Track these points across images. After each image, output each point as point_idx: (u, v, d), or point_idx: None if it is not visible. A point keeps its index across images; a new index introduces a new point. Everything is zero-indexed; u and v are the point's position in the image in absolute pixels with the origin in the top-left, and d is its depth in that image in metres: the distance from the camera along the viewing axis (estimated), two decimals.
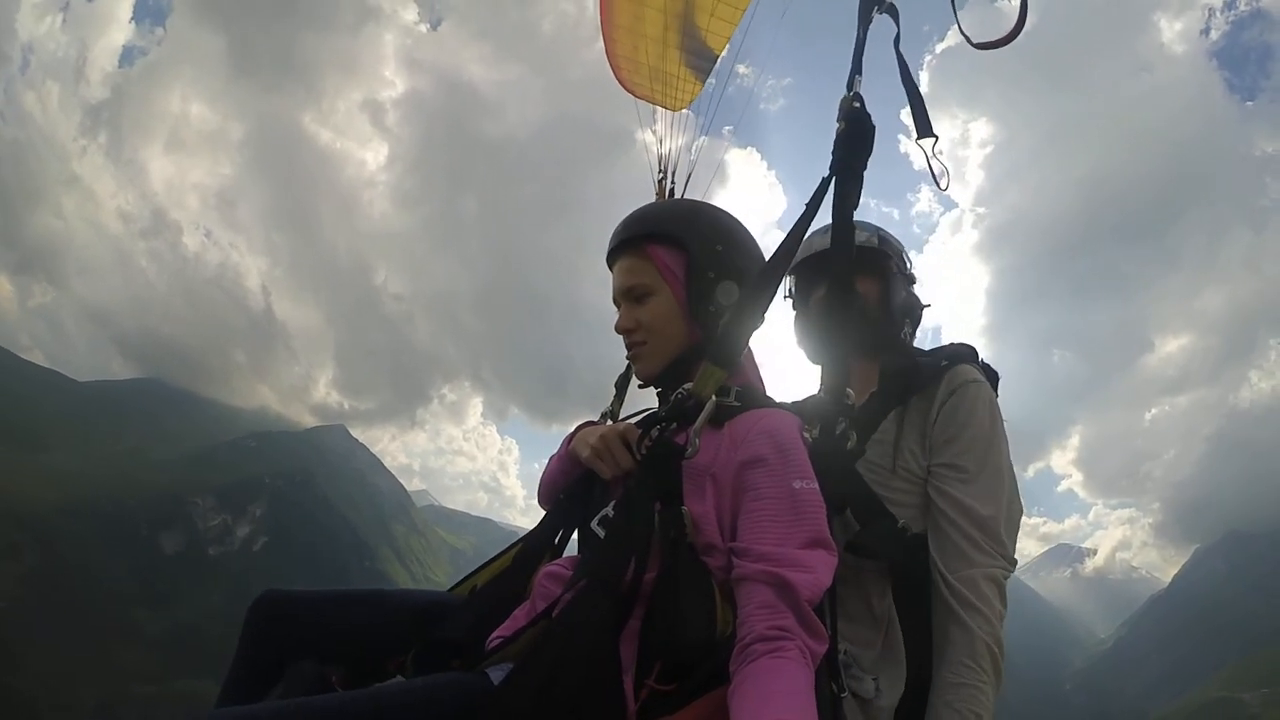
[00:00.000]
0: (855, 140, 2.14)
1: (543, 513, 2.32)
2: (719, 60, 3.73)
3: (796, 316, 2.68)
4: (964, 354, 2.43)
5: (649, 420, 1.96)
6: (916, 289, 2.64)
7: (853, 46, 2.27)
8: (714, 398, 1.85)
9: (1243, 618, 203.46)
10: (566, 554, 2.22)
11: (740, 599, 1.65)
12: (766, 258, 2.08)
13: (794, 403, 2.55)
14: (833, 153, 2.16)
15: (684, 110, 3.83)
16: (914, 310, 2.60)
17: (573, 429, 2.28)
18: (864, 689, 2.15)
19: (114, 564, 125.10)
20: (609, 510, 1.94)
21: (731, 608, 1.69)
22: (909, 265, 2.61)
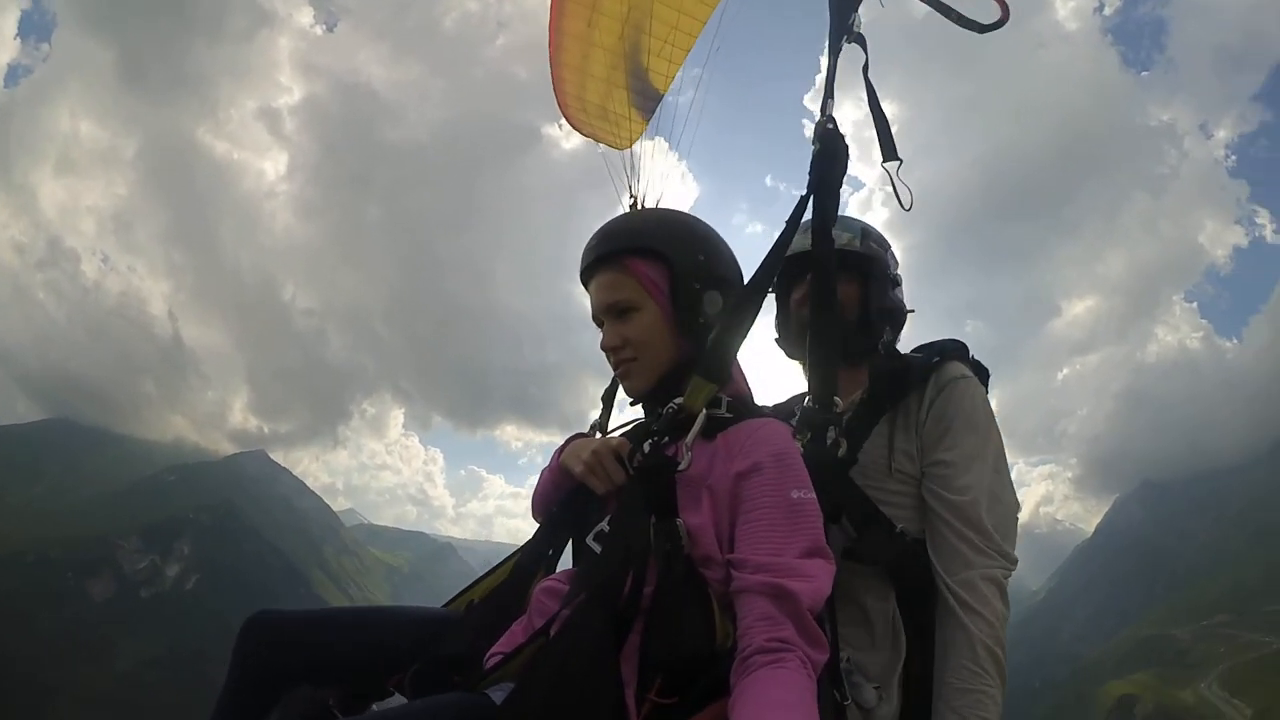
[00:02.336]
0: (830, 160, 2.23)
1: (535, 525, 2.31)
2: (662, 100, 3.78)
3: (777, 311, 2.69)
4: (953, 350, 2.43)
5: (641, 434, 1.96)
6: (901, 291, 2.63)
7: (825, 73, 2.42)
8: (704, 410, 1.86)
9: (1164, 559, 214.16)
10: (562, 567, 2.22)
11: (740, 611, 1.66)
12: (738, 261, 2.11)
13: (778, 404, 2.71)
14: (810, 172, 2.26)
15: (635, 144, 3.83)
16: (896, 315, 2.57)
17: (563, 441, 2.25)
18: (866, 697, 2.14)
19: (42, 618, 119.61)
20: (604, 525, 1.93)
21: (731, 619, 1.69)
22: (893, 267, 2.59)
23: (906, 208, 2.40)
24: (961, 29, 2.50)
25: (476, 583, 2.41)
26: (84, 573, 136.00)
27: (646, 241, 2.00)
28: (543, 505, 2.27)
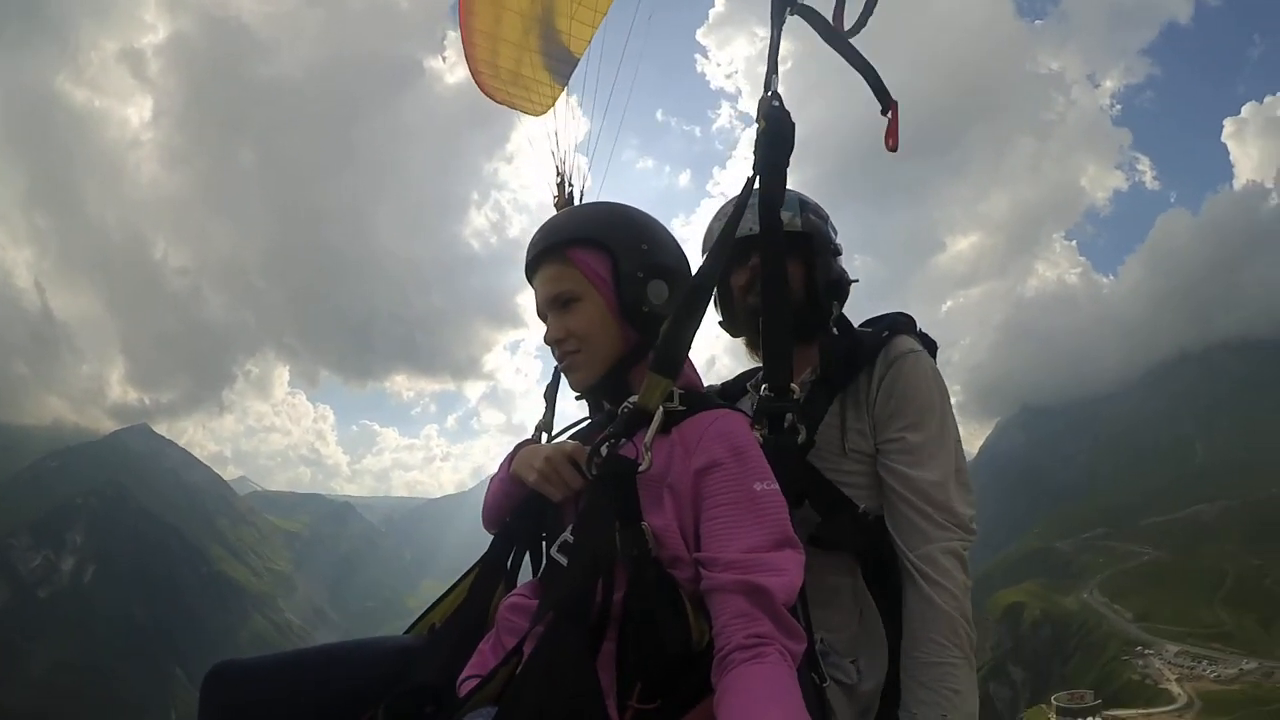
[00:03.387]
0: (776, 139, 2.15)
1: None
2: (579, 63, 3.66)
3: (719, 293, 2.61)
4: (901, 324, 2.43)
5: (596, 437, 1.90)
6: (843, 260, 2.58)
7: (768, 47, 2.27)
8: (661, 408, 1.82)
9: (1043, 478, 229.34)
10: (523, 579, 2.20)
11: (714, 610, 1.64)
12: (684, 250, 2.10)
13: (726, 382, 2.73)
14: (754, 152, 2.18)
15: (566, 109, 3.74)
16: (841, 287, 2.52)
17: (511, 449, 2.20)
18: (846, 674, 2.17)
19: None
20: (568, 535, 1.90)
21: (705, 618, 1.67)
22: (834, 236, 2.55)
23: (893, 149, 2.34)
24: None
25: (435, 605, 2.37)
26: None
27: (587, 232, 1.99)
28: (495, 516, 2.22)
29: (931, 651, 2.08)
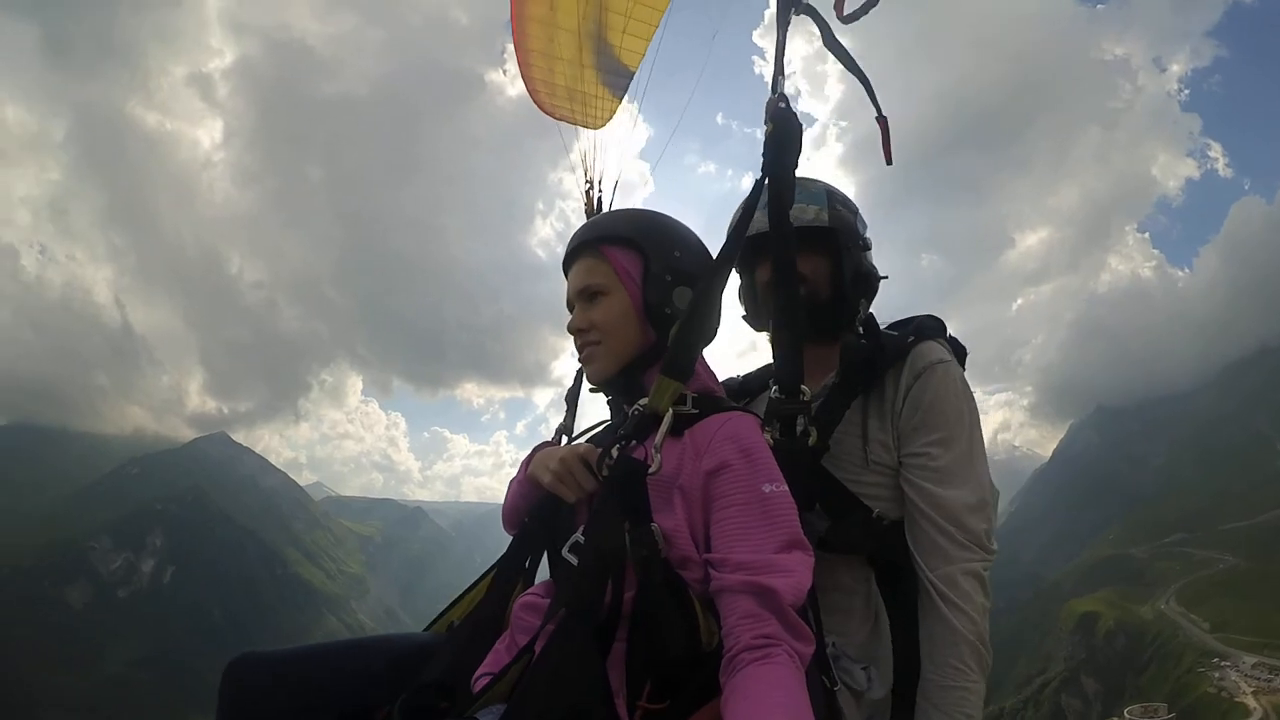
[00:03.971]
0: (784, 140, 2.14)
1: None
2: (634, 76, 3.75)
3: (743, 287, 2.62)
4: (929, 328, 2.37)
5: (608, 439, 1.95)
6: (872, 255, 2.54)
7: (774, 48, 2.27)
8: (670, 410, 1.84)
9: (1118, 482, 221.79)
10: (540, 579, 2.22)
11: (723, 610, 1.66)
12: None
13: (747, 374, 2.70)
14: (763, 154, 2.17)
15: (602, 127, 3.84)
16: (869, 283, 2.48)
17: (530, 451, 2.23)
18: (856, 680, 2.15)
19: (22, 630, 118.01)
20: (579, 536, 1.91)
21: (714, 619, 1.68)
22: (864, 230, 2.49)
23: (889, 163, 2.35)
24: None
25: (455, 602, 2.40)
26: (60, 580, 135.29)
27: (624, 231, 2.05)
28: (514, 517, 2.24)
29: (948, 675, 2.06)
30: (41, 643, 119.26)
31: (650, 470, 1.76)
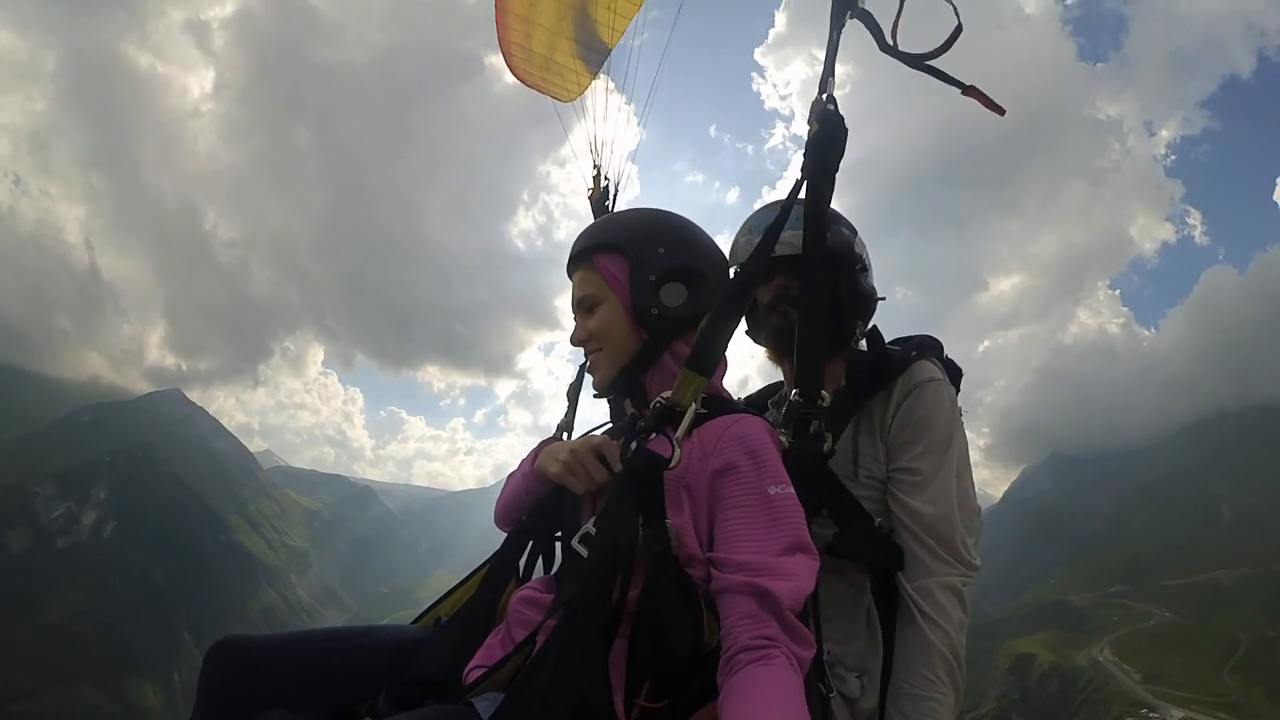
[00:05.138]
0: (829, 142, 2.11)
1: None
2: (611, 54, 3.66)
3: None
4: (929, 347, 2.41)
5: (628, 430, 1.90)
6: (871, 276, 2.55)
7: (826, 49, 2.24)
8: (693, 405, 1.82)
9: (1066, 528, 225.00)
10: (535, 576, 2.19)
11: (723, 610, 1.64)
12: (720, 255, 2.12)
13: (749, 395, 2.73)
14: (805, 154, 2.13)
15: (603, 102, 3.70)
16: (866, 304, 2.51)
17: (534, 446, 2.20)
18: (849, 688, 2.16)
19: None
20: (590, 528, 1.86)
21: (716, 619, 1.67)
22: (862, 253, 2.51)
23: (1002, 114, 2.30)
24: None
25: (444, 598, 2.38)
26: (1, 523, 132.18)
27: (608, 238, 2.05)
28: (510, 512, 2.22)
29: (919, 685, 2.07)
30: None
31: (672, 465, 1.74)
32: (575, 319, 2.11)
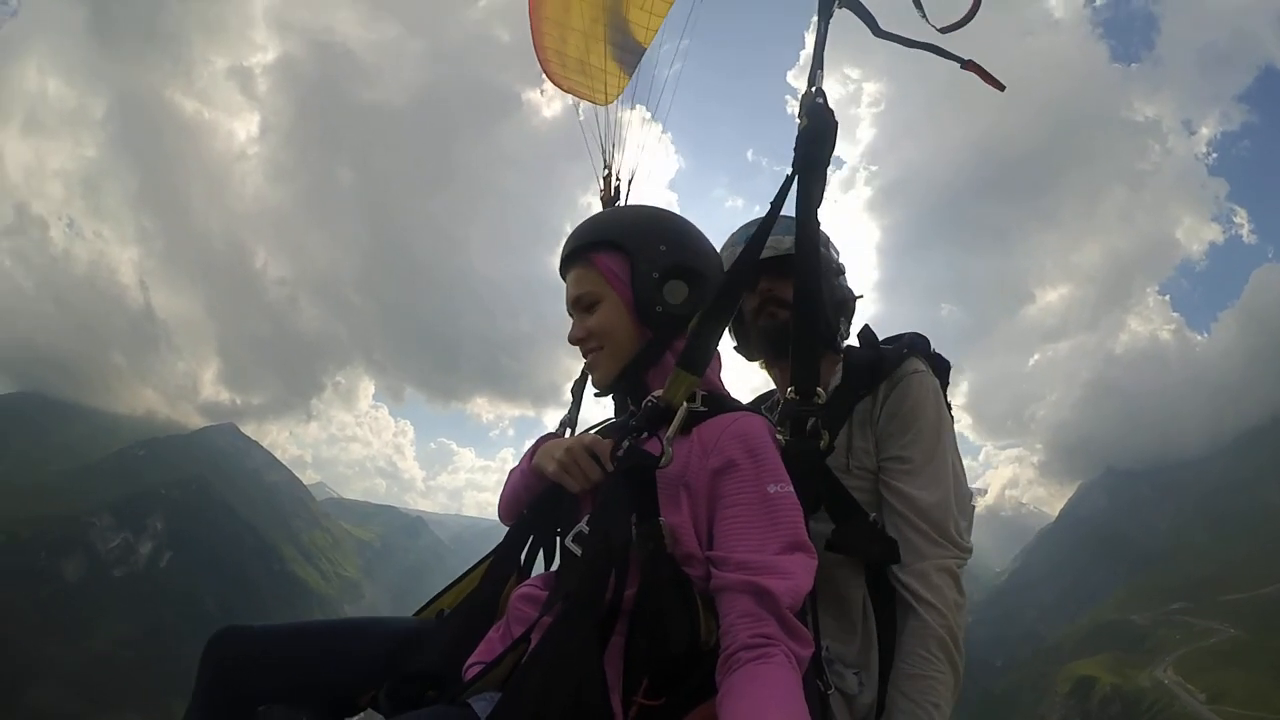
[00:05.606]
0: (819, 138, 2.11)
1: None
2: (645, 53, 3.66)
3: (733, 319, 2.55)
4: (917, 344, 2.43)
5: (620, 430, 1.93)
6: (846, 278, 2.60)
7: (814, 41, 2.22)
8: (685, 404, 1.84)
9: (1125, 546, 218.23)
10: (536, 571, 2.19)
11: (722, 609, 1.64)
12: (715, 252, 2.11)
13: (752, 401, 2.70)
14: (795, 149, 2.13)
15: (615, 103, 3.76)
16: (846, 304, 2.55)
17: (533, 442, 2.21)
18: (848, 685, 2.16)
19: (16, 598, 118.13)
20: (583, 527, 1.87)
21: (714, 617, 1.67)
22: (837, 256, 2.55)
23: (1002, 89, 2.34)
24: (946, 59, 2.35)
25: (446, 590, 2.37)
26: (56, 552, 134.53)
27: (607, 234, 2.04)
28: (512, 507, 2.22)
29: (916, 664, 2.08)
30: (32, 612, 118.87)
31: (661, 464, 1.76)
32: (572, 318, 2.09)
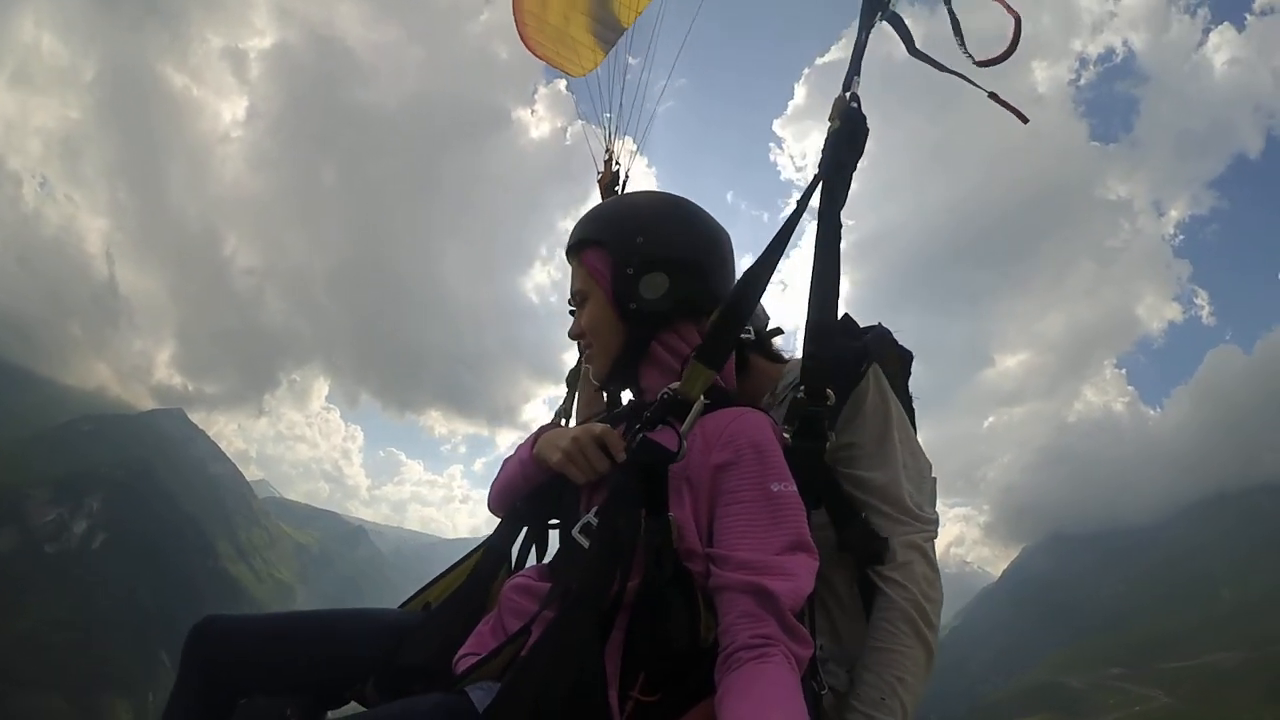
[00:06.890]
0: (849, 139, 2.10)
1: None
2: (625, 33, 3.62)
3: None
4: (878, 347, 2.40)
5: (631, 420, 1.92)
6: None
7: (853, 48, 2.23)
8: (702, 398, 1.80)
9: (1066, 609, 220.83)
10: (529, 564, 2.16)
11: (721, 608, 1.62)
12: (712, 238, 2.07)
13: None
14: (823, 151, 2.11)
15: (621, 84, 3.64)
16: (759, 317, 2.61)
17: (534, 431, 2.16)
18: (840, 682, 2.14)
19: None
20: (591, 518, 1.81)
21: (714, 614, 1.65)
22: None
23: (1025, 121, 2.35)
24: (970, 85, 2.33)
25: (433, 583, 2.33)
26: None
27: (590, 232, 2.04)
28: (505, 497, 2.18)
29: (880, 637, 2.05)
30: None
31: (676, 457, 1.72)
32: (572, 314, 2.12)
